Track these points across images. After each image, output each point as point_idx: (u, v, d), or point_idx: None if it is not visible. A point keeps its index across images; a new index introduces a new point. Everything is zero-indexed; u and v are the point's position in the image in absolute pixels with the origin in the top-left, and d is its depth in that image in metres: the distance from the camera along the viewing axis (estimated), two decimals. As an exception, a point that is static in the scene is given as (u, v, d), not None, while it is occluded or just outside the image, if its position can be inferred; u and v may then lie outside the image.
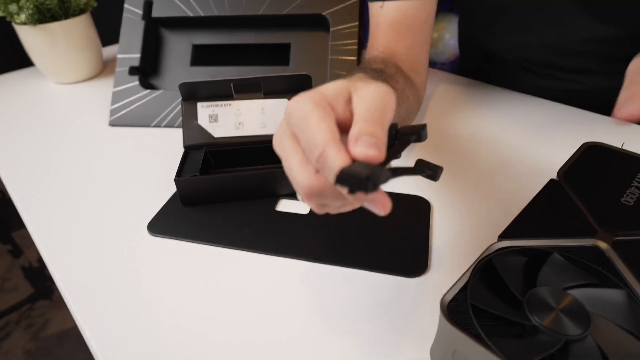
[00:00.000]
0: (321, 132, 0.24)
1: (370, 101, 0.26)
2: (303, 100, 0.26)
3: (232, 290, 0.38)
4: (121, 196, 0.52)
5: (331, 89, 0.28)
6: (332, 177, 0.23)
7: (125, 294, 0.38)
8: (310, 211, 0.47)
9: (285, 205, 0.48)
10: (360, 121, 0.25)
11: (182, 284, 0.39)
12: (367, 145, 0.24)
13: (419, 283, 0.38)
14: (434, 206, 0.47)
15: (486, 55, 0.76)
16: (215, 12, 0.69)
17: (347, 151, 0.24)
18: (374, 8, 0.58)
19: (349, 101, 0.27)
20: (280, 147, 0.28)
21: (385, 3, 0.56)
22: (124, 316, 0.36)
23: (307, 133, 0.25)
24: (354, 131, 0.25)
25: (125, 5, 0.72)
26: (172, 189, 0.51)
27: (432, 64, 2.21)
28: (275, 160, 0.55)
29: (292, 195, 0.49)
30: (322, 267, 0.40)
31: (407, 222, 0.44)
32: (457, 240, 0.42)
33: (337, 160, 0.23)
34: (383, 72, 0.48)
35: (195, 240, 0.44)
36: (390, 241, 0.42)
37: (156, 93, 0.68)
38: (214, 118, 0.53)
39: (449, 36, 2.16)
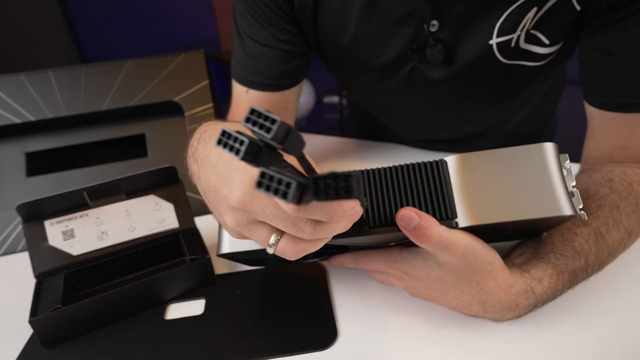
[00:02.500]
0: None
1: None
2: (245, 188, 0.27)
3: None
4: (-47, 361, 0.40)
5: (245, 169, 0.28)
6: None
7: None
8: (205, 310, 0.43)
9: (175, 311, 0.44)
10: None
11: None
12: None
13: (333, 352, 0.37)
14: (328, 267, 0.48)
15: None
16: (48, 115, 0.62)
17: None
18: (237, 88, 0.60)
19: None
20: (256, 204, 0.28)
21: (250, 90, 0.58)
22: None
23: (273, 212, 0.27)
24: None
25: None
26: (28, 332, 0.42)
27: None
28: (154, 262, 0.51)
29: (182, 297, 0.45)
30: (232, 370, 0.37)
31: (306, 293, 0.44)
32: (360, 295, 0.43)
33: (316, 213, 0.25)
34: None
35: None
36: (294, 319, 0.41)
37: (-14, 217, 0.57)
38: (69, 234, 0.46)
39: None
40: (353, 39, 0.53)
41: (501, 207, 0.32)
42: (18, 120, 0.62)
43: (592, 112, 0.48)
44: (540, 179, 0.32)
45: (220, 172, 0.30)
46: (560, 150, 0.34)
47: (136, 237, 0.48)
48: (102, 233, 0.47)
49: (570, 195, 0.32)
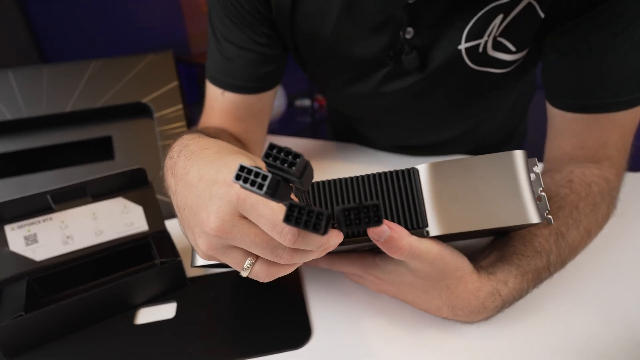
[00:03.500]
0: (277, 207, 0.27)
1: None
2: (229, 203, 0.28)
3: None
4: None
5: (223, 179, 0.29)
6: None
7: None
8: (177, 314, 0.43)
9: (145, 315, 0.43)
10: None
11: None
12: None
13: (306, 351, 0.38)
14: (302, 267, 0.48)
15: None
16: (8, 116, 0.60)
17: None
18: (211, 90, 0.59)
19: None
20: (236, 231, 0.28)
21: (226, 92, 0.58)
22: None
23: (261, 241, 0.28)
24: None
25: None
26: (-13, 341, 0.40)
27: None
28: (123, 267, 0.49)
29: (152, 301, 0.44)
30: (205, 372, 0.36)
31: (280, 293, 0.44)
32: (335, 295, 0.44)
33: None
34: (218, 137, 0.49)
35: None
36: (268, 319, 0.41)
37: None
38: (31, 239, 0.44)
39: (270, 98, 2.33)
40: (330, 42, 0.54)
41: (471, 215, 0.33)
42: (-26, 122, 0.59)
43: (553, 112, 0.50)
44: (508, 187, 0.33)
45: (199, 193, 0.30)
46: (531, 153, 0.35)
47: (104, 240, 0.46)
48: (68, 237, 0.45)
49: (537, 201, 0.34)
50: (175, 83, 0.66)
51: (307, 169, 0.23)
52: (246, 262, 0.30)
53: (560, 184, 0.45)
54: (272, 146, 0.22)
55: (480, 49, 0.49)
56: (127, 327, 0.42)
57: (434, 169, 0.34)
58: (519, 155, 0.34)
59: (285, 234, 0.26)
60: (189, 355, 0.38)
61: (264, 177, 0.22)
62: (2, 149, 0.62)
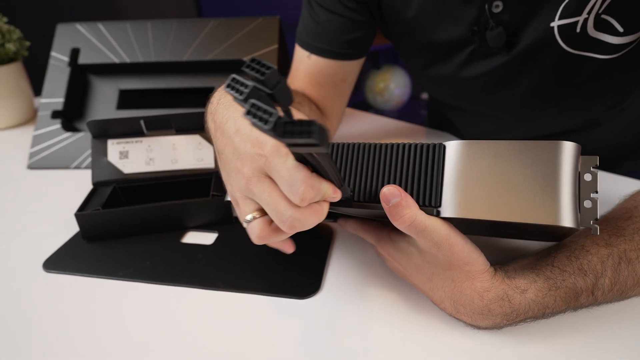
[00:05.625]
0: (300, 171, 0.28)
1: None
2: (262, 179, 0.30)
3: (123, 321, 0.38)
4: (20, 234, 0.50)
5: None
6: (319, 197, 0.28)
7: (18, 334, 0.37)
8: (215, 242, 0.47)
9: (190, 237, 0.49)
10: None
11: (77, 319, 0.38)
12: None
13: (309, 303, 0.39)
14: (337, 230, 0.48)
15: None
16: (140, 58, 0.72)
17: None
18: (299, 52, 0.62)
19: None
20: (258, 187, 0.30)
21: (312, 55, 0.60)
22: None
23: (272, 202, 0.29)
24: None
25: (52, 53, 0.73)
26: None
27: (380, 112, 2.34)
28: (188, 194, 0.56)
29: (201, 227, 0.50)
30: (216, 294, 0.40)
31: (309, 247, 0.45)
32: (356, 263, 0.44)
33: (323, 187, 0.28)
34: (299, 100, 0.51)
35: (90, 274, 0.43)
36: (288, 266, 0.43)
37: (78, 135, 0.68)
38: (124, 155, 0.53)
39: (394, 86, 2.30)
40: (415, 15, 0.52)
41: (491, 203, 0.29)
42: (117, 60, 0.72)
43: None
44: (544, 179, 0.28)
45: (235, 146, 0.32)
46: None
47: (177, 168, 0.54)
48: (150, 159, 0.54)
49: (579, 203, 0.28)
50: (275, 46, 0.71)
51: (280, 82, 0.23)
52: (249, 215, 0.32)
53: None
54: (252, 59, 0.23)
55: (578, 28, 0.41)
56: (174, 242, 0.48)
57: (464, 148, 0.31)
58: (568, 147, 0.29)
59: (297, 189, 0.27)
60: (206, 276, 0.42)
61: (246, 86, 0.23)
62: (128, 85, 0.75)
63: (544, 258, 0.34)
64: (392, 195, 0.30)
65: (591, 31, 0.42)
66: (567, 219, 0.28)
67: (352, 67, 0.62)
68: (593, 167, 0.29)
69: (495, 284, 0.32)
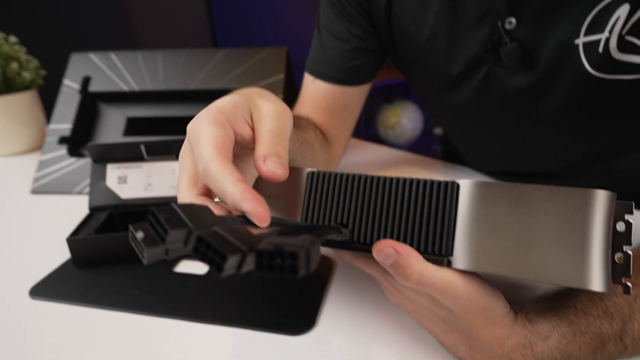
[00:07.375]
0: (207, 147, 0.27)
1: (270, 121, 0.30)
2: (200, 118, 0.29)
3: (104, 353, 0.35)
4: (11, 259, 0.49)
5: (229, 104, 0.30)
6: (216, 189, 0.26)
7: (-24, 363, 0.34)
8: (208, 272, 0.45)
9: (184, 267, 0.47)
10: (264, 142, 0.29)
11: (57, 350, 0.36)
12: (275, 164, 0.28)
13: (302, 341, 0.36)
14: (338, 262, 0.46)
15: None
16: (149, 86, 0.73)
17: (231, 166, 0.26)
18: (306, 78, 0.63)
19: (247, 115, 0.30)
20: (180, 163, 0.31)
21: (317, 80, 0.61)
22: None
23: (196, 149, 0.28)
24: (260, 151, 0.28)
25: (65, 81, 0.75)
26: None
27: (392, 147, 2.33)
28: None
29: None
30: (204, 327, 0.38)
31: (307, 279, 0.43)
32: (356, 294, 0.41)
33: (219, 173, 0.26)
34: (296, 118, 0.50)
35: (75, 302, 0.41)
36: (283, 299, 0.40)
37: (82, 161, 0.68)
38: (123, 180, 0.53)
39: (406, 120, 2.31)
40: (428, 39, 0.51)
41: (508, 257, 0.26)
42: (126, 89, 0.73)
43: None
44: (571, 233, 0.25)
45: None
46: None
47: (175, 195, 0.52)
48: (149, 185, 0.53)
49: (610, 262, 0.25)
50: (281, 76, 0.71)
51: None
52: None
53: None
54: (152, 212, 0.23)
55: (601, 48, 0.40)
56: (166, 271, 0.46)
57: (480, 189, 0.27)
58: (601, 195, 0.25)
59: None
60: (197, 308, 0.40)
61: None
62: (136, 113, 0.75)
63: (565, 298, 0.31)
64: (387, 255, 0.27)
65: (615, 53, 0.40)
66: (596, 283, 0.24)
67: (354, 94, 0.62)
68: (627, 215, 0.25)
69: (517, 329, 0.28)
